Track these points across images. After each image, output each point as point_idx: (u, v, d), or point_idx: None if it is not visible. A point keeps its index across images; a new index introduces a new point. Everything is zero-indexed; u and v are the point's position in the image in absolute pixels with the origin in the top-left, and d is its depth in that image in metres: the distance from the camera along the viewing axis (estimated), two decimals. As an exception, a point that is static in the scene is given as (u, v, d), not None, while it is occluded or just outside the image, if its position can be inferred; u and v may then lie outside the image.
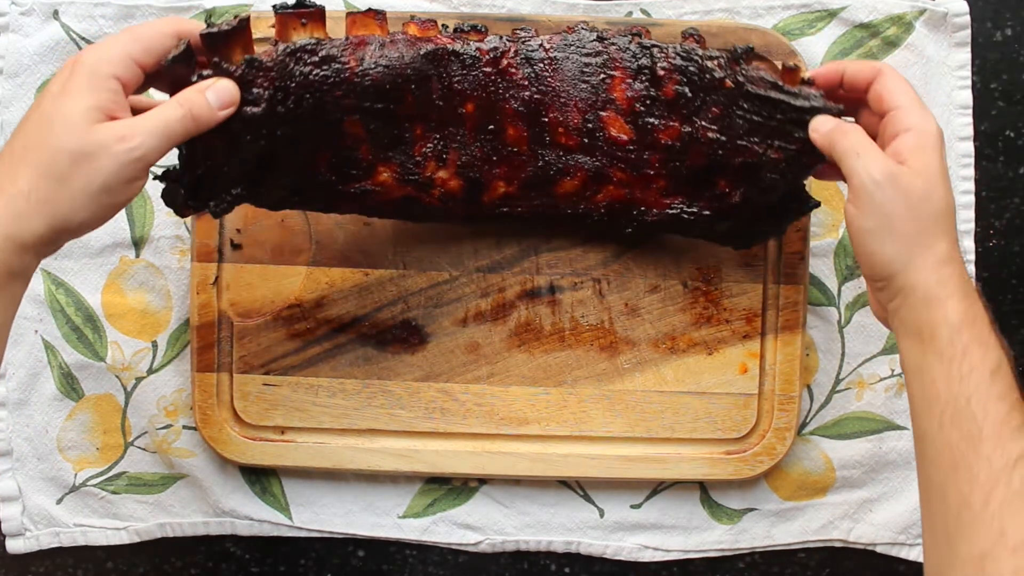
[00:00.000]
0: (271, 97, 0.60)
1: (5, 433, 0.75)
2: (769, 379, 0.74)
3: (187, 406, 0.75)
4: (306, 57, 0.60)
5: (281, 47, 0.60)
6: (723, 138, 0.64)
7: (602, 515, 0.77)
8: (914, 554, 0.77)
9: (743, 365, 0.74)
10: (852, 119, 0.62)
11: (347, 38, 0.61)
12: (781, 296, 0.74)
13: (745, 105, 0.63)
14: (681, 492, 0.77)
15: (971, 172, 0.76)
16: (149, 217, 0.75)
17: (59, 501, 0.76)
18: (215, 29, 0.58)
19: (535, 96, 0.64)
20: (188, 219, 0.75)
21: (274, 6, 0.60)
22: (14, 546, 0.75)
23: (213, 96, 0.57)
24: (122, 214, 0.74)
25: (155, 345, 0.75)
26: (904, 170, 0.55)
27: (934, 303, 0.54)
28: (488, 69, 0.63)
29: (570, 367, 0.74)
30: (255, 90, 0.59)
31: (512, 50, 0.64)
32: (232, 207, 0.63)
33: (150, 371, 0.75)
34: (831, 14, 0.75)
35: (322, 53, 0.60)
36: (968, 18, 0.75)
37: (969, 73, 0.76)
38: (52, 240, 0.53)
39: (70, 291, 0.75)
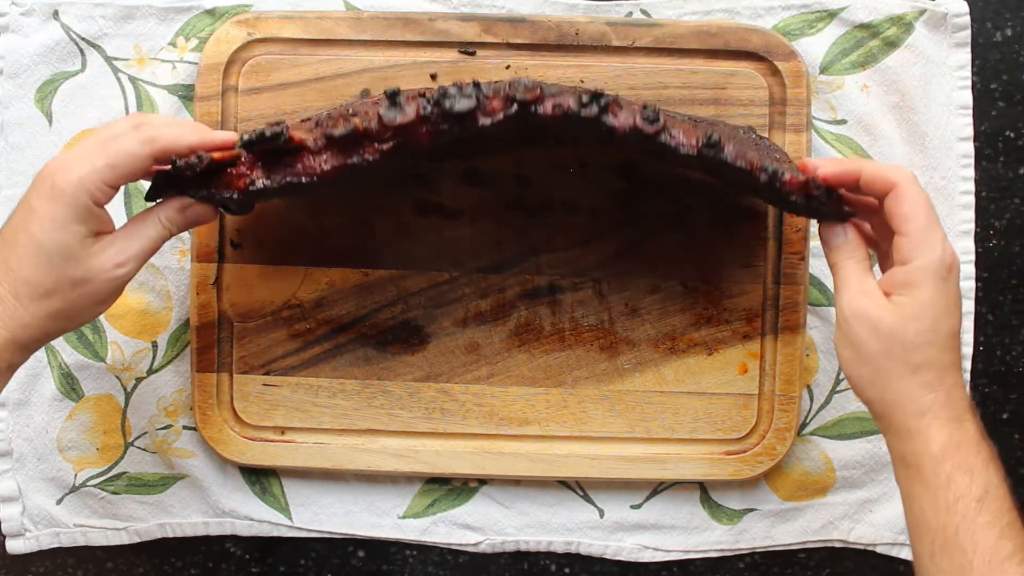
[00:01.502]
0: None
1: (5, 433, 0.75)
2: (769, 379, 0.74)
3: (187, 406, 0.75)
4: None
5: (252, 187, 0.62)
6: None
7: (602, 515, 0.77)
8: (914, 554, 0.77)
9: (743, 365, 0.74)
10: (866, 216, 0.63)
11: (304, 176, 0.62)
12: (781, 296, 0.74)
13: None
14: (681, 492, 0.77)
15: (971, 172, 0.76)
16: (149, 217, 0.75)
17: (59, 501, 0.76)
18: (196, 166, 0.60)
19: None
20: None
21: (242, 142, 0.61)
22: (14, 546, 0.75)
23: (192, 215, 0.62)
24: (123, 212, 0.74)
25: (155, 345, 0.75)
26: (874, 309, 0.56)
27: (914, 432, 0.55)
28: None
29: (570, 367, 0.74)
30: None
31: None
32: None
33: (150, 371, 0.75)
34: (831, 14, 0.75)
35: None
36: (968, 18, 0.75)
37: (969, 73, 0.76)
38: (49, 340, 0.60)
39: (70, 291, 0.75)
